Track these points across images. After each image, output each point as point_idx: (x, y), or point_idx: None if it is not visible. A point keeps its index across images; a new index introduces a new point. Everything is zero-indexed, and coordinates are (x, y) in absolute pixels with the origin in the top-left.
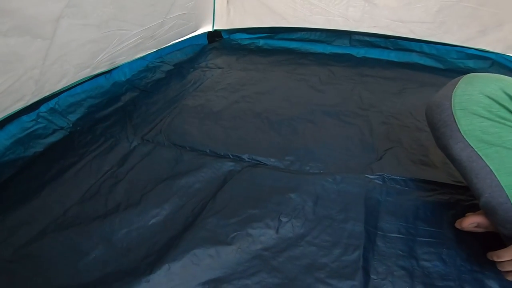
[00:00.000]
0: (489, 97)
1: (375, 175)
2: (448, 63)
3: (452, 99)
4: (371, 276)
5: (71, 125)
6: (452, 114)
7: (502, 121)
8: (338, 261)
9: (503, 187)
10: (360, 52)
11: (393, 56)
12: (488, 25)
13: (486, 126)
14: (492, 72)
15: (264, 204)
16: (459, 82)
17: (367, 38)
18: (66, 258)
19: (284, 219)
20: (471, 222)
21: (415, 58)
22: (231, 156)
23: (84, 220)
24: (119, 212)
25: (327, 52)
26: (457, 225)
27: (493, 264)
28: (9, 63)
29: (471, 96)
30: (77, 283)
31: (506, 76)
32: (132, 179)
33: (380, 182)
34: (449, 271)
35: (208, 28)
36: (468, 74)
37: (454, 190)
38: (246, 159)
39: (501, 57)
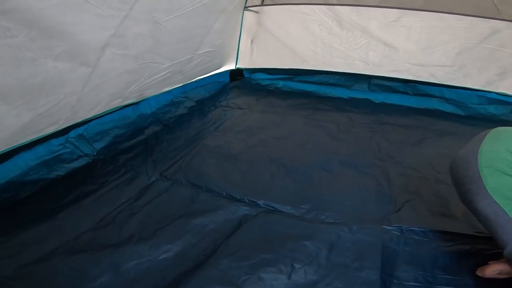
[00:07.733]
0: None
1: (393, 226)
2: (468, 109)
3: (479, 156)
4: None
5: (95, 153)
6: (479, 171)
7: None
8: None
9: None
10: (378, 97)
11: (412, 101)
12: (507, 67)
13: None
14: None
15: (278, 249)
16: (485, 138)
17: (386, 83)
18: (70, 282)
19: (297, 265)
20: (494, 269)
21: (435, 104)
22: (246, 201)
23: (95, 247)
24: (131, 243)
25: (345, 97)
26: (478, 272)
27: None
28: (53, 87)
29: (498, 153)
30: None
31: None
32: (148, 213)
33: (398, 233)
34: None
35: (231, 66)
36: (495, 129)
37: (475, 240)
38: (262, 205)
39: None
